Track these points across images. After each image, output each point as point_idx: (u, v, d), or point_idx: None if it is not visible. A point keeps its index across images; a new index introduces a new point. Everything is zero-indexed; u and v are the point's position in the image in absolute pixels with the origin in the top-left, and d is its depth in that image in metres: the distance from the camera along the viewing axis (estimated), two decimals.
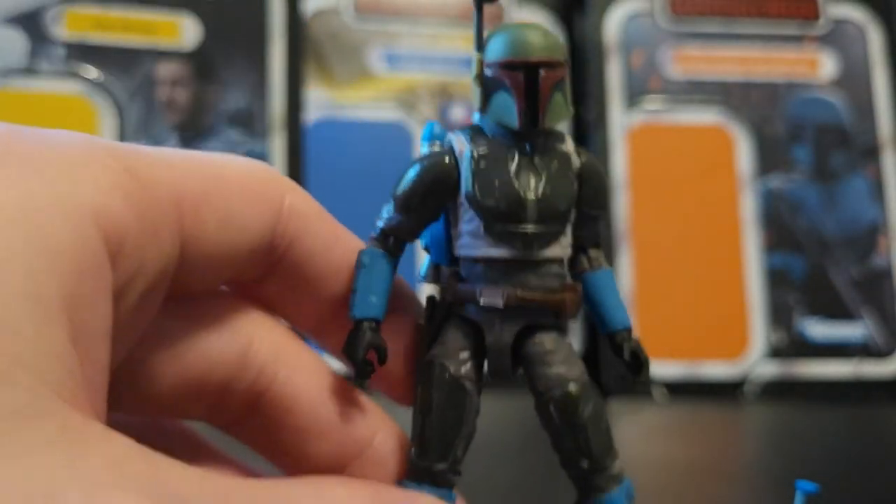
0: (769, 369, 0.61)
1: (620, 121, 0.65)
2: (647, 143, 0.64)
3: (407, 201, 0.25)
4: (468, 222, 0.24)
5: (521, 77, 0.23)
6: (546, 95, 0.23)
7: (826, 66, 0.68)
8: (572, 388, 0.24)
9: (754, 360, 0.62)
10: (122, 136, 0.60)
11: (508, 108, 0.24)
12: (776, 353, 0.62)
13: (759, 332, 0.62)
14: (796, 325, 0.63)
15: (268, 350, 0.24)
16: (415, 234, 0.25)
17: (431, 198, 0.25)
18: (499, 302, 0.24)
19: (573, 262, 0.26)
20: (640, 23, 0.67)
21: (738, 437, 0.54)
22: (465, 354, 0.24)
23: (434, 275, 0.26)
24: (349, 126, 0.64)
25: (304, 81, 0.64)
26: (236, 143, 0.61)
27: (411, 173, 0.25)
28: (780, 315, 0.63)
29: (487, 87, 0.24)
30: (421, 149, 0.26)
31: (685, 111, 0.65)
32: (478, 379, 0.25)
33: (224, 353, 0.24)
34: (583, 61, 0.67)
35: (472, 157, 0.24)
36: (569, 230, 0.25)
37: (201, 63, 0.62)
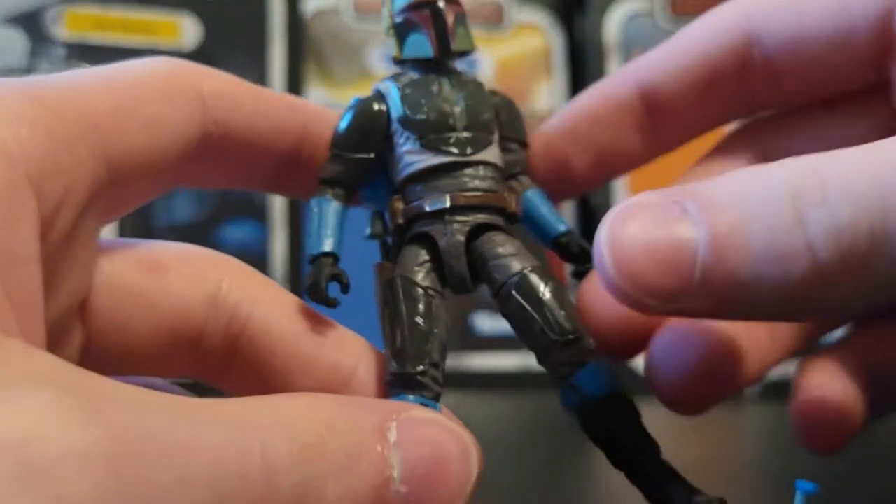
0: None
1: None
2: None
3: (343, 144, 0.26)
4: (403, 144, 0.26)
5: (427, 12, 0.26)
6: (451, 24, 0.26)
7: None
8: (529, 271, 0.25)
9: None
10: None
11: (422, 42, 0.26)
12: None
13: None
14: None
15: (238, 292, 0.24)
16: (358, 178, 0.26)
17: (365, 137, 0.26)
18: (445, 203, 0.25)
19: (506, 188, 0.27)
20: (640, 23, 0.67)
21: (738, 437, 0.54)
22: (423, 267, 0.25)
23: (379, 226, 0.27)
24: None
25: (304, 81, 0.64)
26: None
27: (343, 120, 0.27)
28: None
29: (400, 33, 0.27)
30: None
31: None
32: (441, 287, 0.25)
33: (193, 299, 0.23)
34: (583, 61, 0.67)
35: (399, 87, 0.26)
36: (496, 144, 0.27)
37: (201, 63, 0.62)
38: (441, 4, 0.26)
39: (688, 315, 0.22)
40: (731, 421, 0.56)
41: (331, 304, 0.25)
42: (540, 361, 0.25)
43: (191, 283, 0.24)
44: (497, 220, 0.26)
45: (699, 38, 0.28)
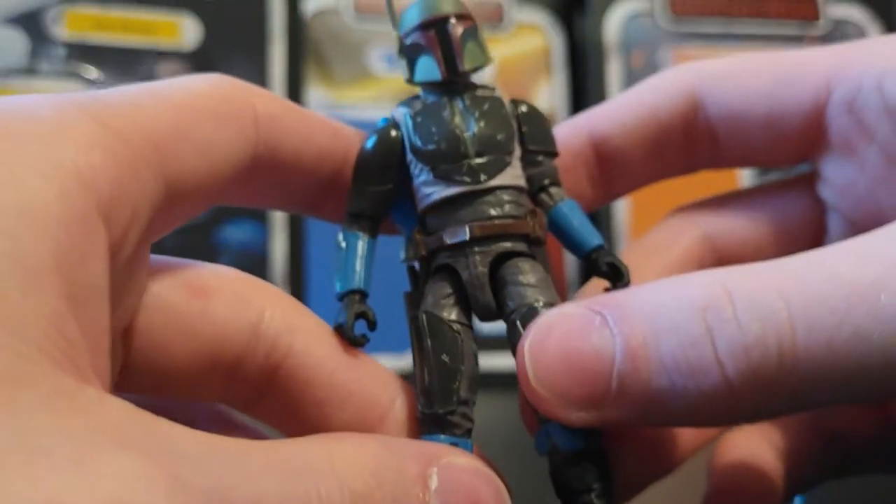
0: None
1: None
2: None
3: (362, 177, 0.26)
4: (419, 175, 0.25)
5: (432, 33, 0.25)
6: (459, 42, 0.25)
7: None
8: (542, 305, 0.24)
9: None
10: None
11: (430, 64, 0.26)
12: None
13: None
14: None
15: (280, 322, 0.24)
16: (381, 209, 0.26)
17: (385, 168, 0.26)
18: (464, 235, 0.25)
19: (536, 202, 0.27)
20: (640, 23, 0.67)
21: None
22: (448, 300, 0.25)
23: (414, 252, 0.27)
24: (349, 126, 0.64)
25: (304, 81, 0.64)
26: None
27: (361, 153, 0.26)
28: None
29: (410, 56, 0.26)
30: None
31: None
32: (467, 320, 0.25)
33: (235, 326, 0.23)
34: (583, 61, 0.67)
35: (410, 116, 0.26)
36: (517, 164, 0.26)
37: (201, 63, 0.62)
38: (449, 23, 0.25)
39: (609, 424, 0.23)
40: None
41: (358, 343, 0.25)
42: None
43: (234, 310, 0.24)
44: (520, 246, 0.25)
45: (651, 97, 0.30)
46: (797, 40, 0.68)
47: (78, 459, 0.14)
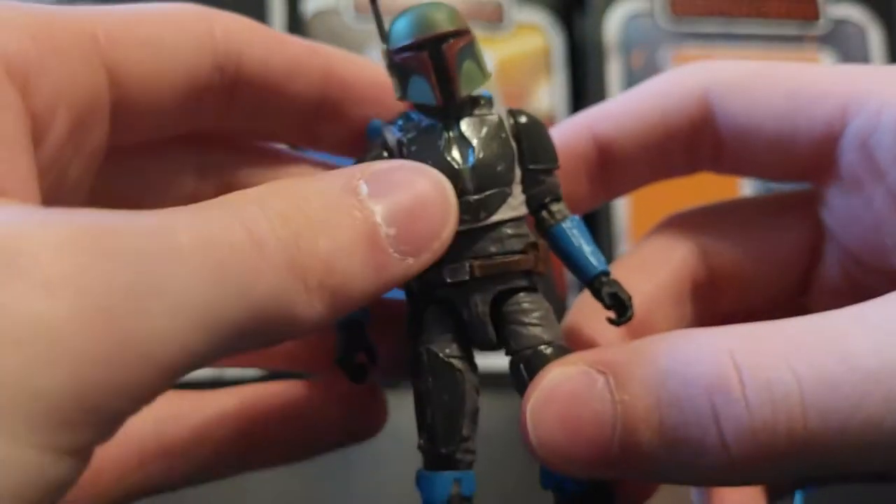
0: None
1: None
2: None
3: None
4: None
5: (425, 55, 0.23)
6: (454, 66, 0.23)
7: (826, 66, 0.68)
8: (545, 349, 0.24)
9: None
10: None
11: (423, 88, 0.24)
12: None
13: None
14: None
15: (223, 36, 0.24)
16: None
17: None
18: (465, 275, 0.24)
19: (538, 222, 0.26)
20: (640, 23, 0.67)
21: None
22: (448, 335, 0.25)
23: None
24: None
25: None
26: None
27: None
28: None
29: (401, 74, 0.24)
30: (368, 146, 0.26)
31: None
32: (468, 356, 0.25)
33: (192, 51, 0.24)
34: (583, 61, 0.67)
35: (402, 143, 0.24)
36: (517, 190, 0.25)
37: None
38: (443, 45, 0.23)
39: (608, 478, 0.23)
40: None
41: (359, 379, 0.25)
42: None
43: (188, 41, 0.24)
44: (521, 282, 0.25)
45: (659, 102, 0.29)
46: (797, 40, 0.68)
47: None
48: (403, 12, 0.24)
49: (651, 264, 0.30)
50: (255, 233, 0.18)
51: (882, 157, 0.25)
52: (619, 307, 0.25)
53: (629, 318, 0.25)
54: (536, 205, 0.26)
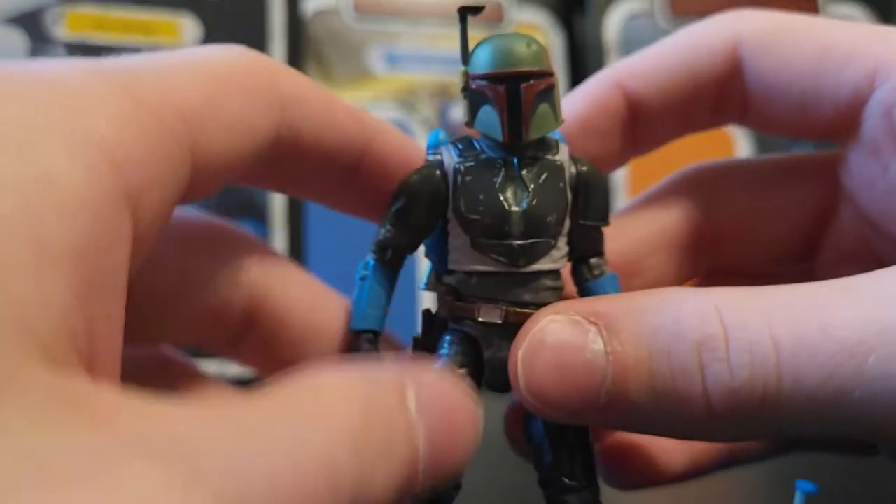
0: None
1: None
2: None
3: (398, 216, 0.25)
4: (456, 237, 0.24)
5: (502, 90, 0.23)
6: (529, 107, 0.23)
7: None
8: None
9: None
10: None
11: (493, 121, 0.23)
12: None
13: None
14: None
15: (258, 269, 0.25)
16: (411, 247, 0.25)
17: (421, 213, 0.24)
18: (497, 319, 0.24)
19: (575, 271, 0.26)
20: (640, 23, 0.67)
21: None
22: (463, 370, 0.24)
23: (435, 283, 0.26)
24: None
25: None
26: None
27: (401, 187, 0.24)
28: None
29: (473, 100, 0.24)
30: (427, 157, 0.26)
31: None
32: (478, 387, 0.25)
33: (218, 277, 0.24)
34: (583, 61, 0.67)
35: (459, 171, 0.24)
36: (562, 242, 0.24)
37: None
38: (522, 85, 0.23)
39: (592, 425, 0.24)
40: None
41: None
42: (540, 484, 0.25)
43: (216, 264, 0.24)
44: None
45: (689, 57, 0.29)
46: None
47: (86, 474, 0.13)
48: (492, 37, 0.24)
49: (651, 211, 0.30)
50: (336, 470, 0.16)
51: None
52: None
53: None
54: (577, 255, 0.25)
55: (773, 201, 0.30)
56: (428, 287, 0.26)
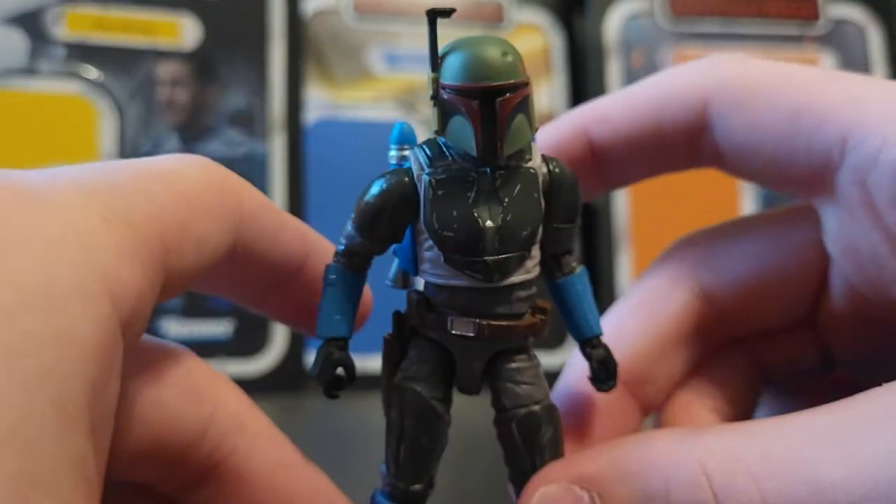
0: None
1: None
2: None
3: (364, 224, 0.24)
4: (429, 249, 0.24)
5: (476, 105, 0.22)
6: (504, 123, 0.22)
7: (826, 66, 0.68)
8: (537, 409, 0.24)
9: None
10: (122, 137, 0.60)
11: (466, 134, 0.22)
12: None
13: None
14: None
15: (230, 419, 0.24)
16: (377, 252, 0.25)
17: (388, 222, 0.24)
18: (470, 332, 0.24)
19: (545, 268, 0.26)
20: (640, 23, 0.67)
21: None
22: (435, 376, 0.24)
23: (402, 280, 0.26)
24: (349, 126, 0.64)
25: (304, 81, 0.64)
26: (236, 143, 0.61)
27: (368, 195, 0.24)
28: None
29: (445, 109, 0.22)
30: (389, 151, 0.26)
31: None
32: (449, 394, 0.25)
33: (186, 420, 0.23)
34: (583, 61, 0.67)
35: (430, 183, 0.23)
36: (535, 250, 0.24)
37: (201, 63, 0.62)
38: (497, 101, 0.21)
39: None
40: None
41: (332, 397, 0.24)
42: (513, 482, 0.25)
43: (187, 404, 0.23)
44: (520, 342, 0.24)
45: (657, 108, 0.28)
46: (797, 40, 0.68)
47: None
48: (463, 43, 0.22)
49: (650, 310, 0.29)
50: None
51: (879, 198, 0.24)
52: (605, 374, 0.25)
53: (611, 388, 0.26)
54: (549, 254, 0.25)
55: (765, 266, 0.29)
56: (395, 285, 0.26)
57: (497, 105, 0.21)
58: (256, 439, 0.24)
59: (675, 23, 0.67)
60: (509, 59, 0.22)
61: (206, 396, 0.23)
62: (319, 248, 0.26)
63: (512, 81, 0.21)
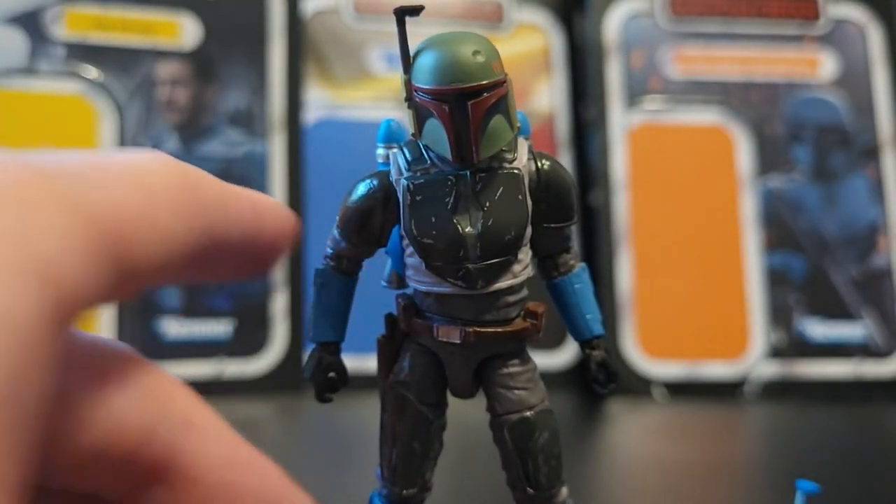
0: (769, 369, 0.61)
1: (620, 121, 0.65)
2: (646, 143, 0.64)
3: (346, 228, 0.24)
4: (410, 255, 0.23)
5: (446, 108, 0.21)
6: (478, 125, 0.21)
7: (826, 65, 0.68)
8: (530, 414, 0.24)
9: (754, 360, 0.62)
10: (122, 136, 0.60)
11: (440, 137, 0.22)
12: (776, 353, 0.62)
13: (759, 332, 0.62)
14: (796, 325, 0.63)
15: (178, 418, 0.23)
16: (364, 255, 0.25)
17: (369, 227, 0.24)
18: (456, 339, 0.23)
19: (542, 268, 0.25)
20: (640, 23, 0.67)
21: (738, 437, 0.54)
22: (427, 382, 0.24)
23: (397, 281, 0.26)
24: (349, 126, 0.64)
25: (304, 81, 0.64)
26: (236, 143, 0.61)
27: (350, 199, 0.24)
28: (780, 315, 0.63)
29: (418, 113, 0.22)
30: (376, 150, 0.26)
31: (685, 111, 0.65)
32: (442, 399, 0.25)
33: (134, 418, 0.22)
34: (583, 61, 0.67)
35: (408, 188, 0.22)
36: (523, 253, 0.23)
37: (201, 63, 0.62)
38: (469, 104, 0.21)
39: None
40: (731, 421, 0.56)
41: (325, 400, 0.24)
42: (510, 487, 0.25)
43: (134, 404, 0.23)
44: (510, 346, 0.24)
45: None
46: (797, 40, 0.68)
47: None
48: (434, 42, 0.22)
49: None
50: None
51: None
52: (606, 377, 0.25)
53: (611, 391, 0.25)
54: (543, 254, 0.25)
55: None
56: (390, 285, 0.26)
57: (469, 108, 0.21)
58: (206, 438, 0.24)
59: (675, 23, 0.67)
60: (480, 58, 0.21)
61: (153, 395, 0.23)
62: (267, 211, 0.26)
63: (485, 82, 0.21)
